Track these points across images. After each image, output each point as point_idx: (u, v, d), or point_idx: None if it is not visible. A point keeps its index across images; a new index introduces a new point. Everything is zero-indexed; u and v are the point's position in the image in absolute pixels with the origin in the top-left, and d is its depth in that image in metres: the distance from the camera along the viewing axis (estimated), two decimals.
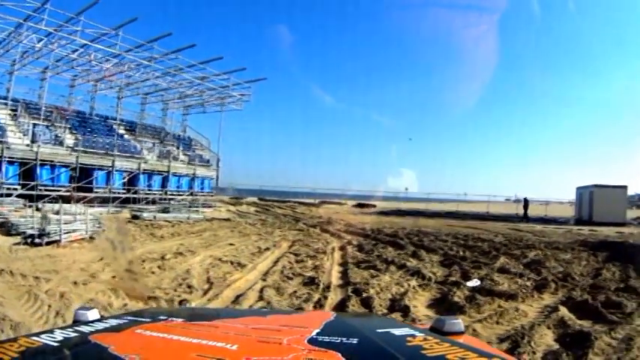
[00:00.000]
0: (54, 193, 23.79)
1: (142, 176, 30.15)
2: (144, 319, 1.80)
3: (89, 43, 26.80)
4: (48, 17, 23.72)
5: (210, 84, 35.92)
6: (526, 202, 36.97)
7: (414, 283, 9.61)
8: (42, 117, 27.58)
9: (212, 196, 37.38)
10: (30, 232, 12.86)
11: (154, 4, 75.38)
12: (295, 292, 8.69)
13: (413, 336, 1.55)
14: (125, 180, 29.03)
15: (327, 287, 9.08)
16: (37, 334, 1.47)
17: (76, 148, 26.91)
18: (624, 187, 34.47)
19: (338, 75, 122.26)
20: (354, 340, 1.46)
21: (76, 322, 1.77)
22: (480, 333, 6.64)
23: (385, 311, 7.55)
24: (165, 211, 24.35)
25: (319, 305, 7.82)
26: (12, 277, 8.59)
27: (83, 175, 26.25)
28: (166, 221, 21.09)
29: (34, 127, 26.68)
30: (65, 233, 13.03)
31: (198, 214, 24.88)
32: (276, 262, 11.74)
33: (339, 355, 1.25)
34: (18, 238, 12.87)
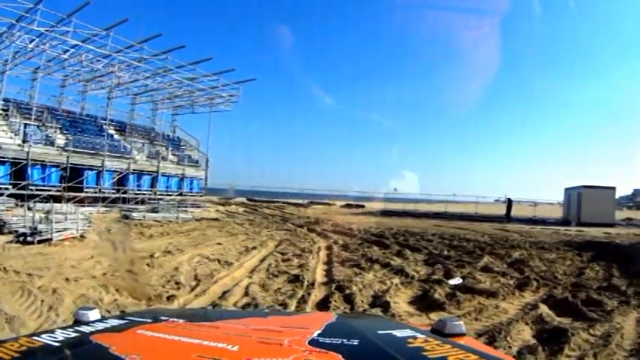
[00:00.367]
0: (45, 193, 23.83)
1: (131, 176, 30.28)
2: (145, 320, 1.80)
3: (80, 44, 26.94)
4: (40, 18, 23.79)
5: (199, 85, 36.08)
6: (509, 203, 37.07)
7: (396, 280, 9.78)
8: (33, 117, 27.59)
9: (201, 196, 37.48)
10: (22, 230, 13.02)
11: (145, 5, 75.51)
12: (280, 288, 8.88)
13: (414, 337, 1.55)
14: (115, 180, 29.13)
15: (312, 284, 9.27)
16: (38, 334, 1.49)
17: (66, 148, 26.93)
18: (612, 188, 34.49)
19: (330, 76, 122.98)
20: (355, 342, 1.46)
21: (77, 322, 1.77)
22: None
23: (367, 307, 7.69)
24: (154, 210, 24.48)
25: (303, 301, 7.98)
26: (5, 274, 8.79)
27: (74, 175, 26.29)
28: (155, 221, 21.21)
29: (25, 127, 26.64)
30: (56, 232, 13.19)
31: (186, 214, 24.98)
32: (262, 261, 11.93)
33: (340, 356, 1.26)
34: (10, 237, 13.00)
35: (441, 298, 8.29)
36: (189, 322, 1.85)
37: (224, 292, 8.39)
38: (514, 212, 37.36)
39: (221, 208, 35.39)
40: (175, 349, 1.38)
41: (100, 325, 1.63)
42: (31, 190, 23.86)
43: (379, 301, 8.00)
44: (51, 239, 12.89)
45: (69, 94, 33.61)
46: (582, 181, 36.80)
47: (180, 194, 34.38)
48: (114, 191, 28.86)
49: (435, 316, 7.32)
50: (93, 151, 28.42)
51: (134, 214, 22.38)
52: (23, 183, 23.61)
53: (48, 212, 14.21)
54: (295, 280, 9.61)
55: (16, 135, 25.75)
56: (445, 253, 14.54)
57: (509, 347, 5.85)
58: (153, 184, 32.39)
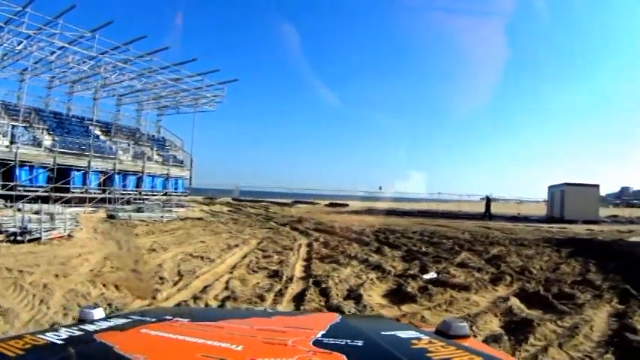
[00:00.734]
0: (33, 194, 23.96)
1: (117, 176, 30.45)
2: (149, 319, 1.81)
3: (67, 45, 27.07)
4: (28, 20, 23.97)
5: (183, 85, 36.23)
6: (488, 201, 37.45)
7: (372, 275, 10.10)
8: (21, 118, 27.61)
9: (185, 196, 37.64)
10: (12, 230, 13.28)
11: (131, 7, 75.52)
12: (259, 283, 9.21)
13: (418, 339, 1.56)
14: (101, 180, 29.34)
15: (290, 279, 9.60)
16: (42, 332, 1.49)
17: (53, 149, 27.05)
18: (596, 186, 35.04)
19: (314, 75, 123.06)
20: (359, 342, 1.45)
21: (81, 320, 1.79)
22: (427, 319, 7.08)
23: (341, 300, 7.95)
24: (139, 210, 24.64)
25: (280, 294, 8.28)
26: None
27: (60, 176, 26.39)
28: (141, 220, 21.46)
29: (13, 128, 26.70)
30: (45, 231, 13.50)
31: (171, 214, 25.18)
32: (243, 258, 12.25)
33: (344, 357, 1.26)
34: (1, 237, 13.23)
35: (414, 291, 8.56)
36: (194, 321, 1.85)
37: (205, 287, 8.70)
38: (498, 210, 37.73)
39: (205, 207, 35.48)
40: (180, 349, 1.38)
41: (104, 324, 1.66)
42: (19, 191, 23.92)
43: (353, 294, 8.29)
44: (40, 238, 13.19)
45: (55, 95, 33.69)
46: (569, 179, 37.43)
47: (165, 194, 34.53)
48: (100, 191, 28.95)
49: (406, 308, 7.74)
50: (79, 152, 28.55)
51: (120, 214, 22.54)
52: (11, 184, 23.69)
53: (37, 212, 14.45)
54: (274, 275, 9.92)
55: (4, 136, 25.84)
56: (424, 249, 14.77)
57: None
58: (138, 184, 32.56)
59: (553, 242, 17.74)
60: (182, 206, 31.45)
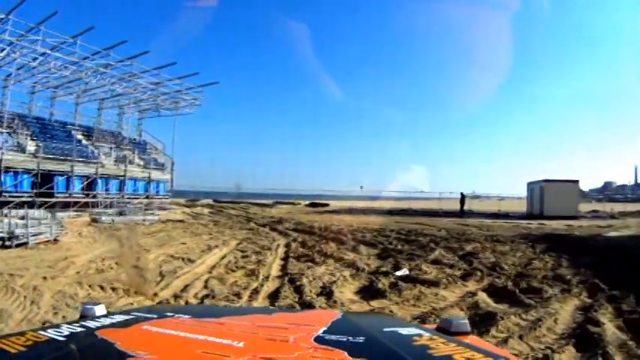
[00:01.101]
0: (17, 199, 23.88)
1: (99, 181, 30.59)
2: (150, 316, 1.80)
3: (49, 52, 27.17)
4: (11, 27, 24.17)
5: (163, 89, 36.36)
6: (462, 198, 37.53)
7: (346, 273, 10.30)
8: (5, 124, 27.49)
9: (167, 198, 37.77)
10: (0, 235, 13.46)
11: (112, 13, 75.33)
12: (236, 281, 9.52)
13: (419, 335, 1.56)
14: (84, 185, 29.42)
15: (266, 277, 9.91)
16: (44, 329, 1.49)
17: (37, 155, 27.08)
18: (576, 182, 34.84)
19: (294, 76, 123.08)
20: (361, 339, 1.46)
21: (83, 317, 1.78)
22: (395, 313, 7.30)
23: (314, 296, 8.19)
24: (122, 214, 24.85)
25: (255, 292, 8.56)
26: None
27: (44, 181, 26.44)
28: (124, 224, 21.59)
29: None
30: (32, 236, 13.81)
31: (153, 216, 25.49)
32: (223, 258, 12.51)
33: (346, 353, 1.26)
34: None
35: (384, 287, 8.81)
36: (195, 318, 1.86)
37: (185, 286, 9.06)
38: (479, 207, 37.67)
39: (187, 209, 35.58)
40: (181, 345, 1.38)
41: (106, 321, 1.66)
42: (5, 197, 23.84)
43: (326, 291, 8.56)
44: (27, 243, 13.50)
45: (38, 101, 33.60)
46: (553, 174, 37.66)
47: (147, 197, 34.63)
48: (83, 196, 29.03)
49: (375, 304, 8.00)
50: (62, 157, 28.61)
51: (103, 218, 22.74)
52: None
53: (22, 218, 14.74)
54: (252, 274, 10.23)
55: None
56: (399, 247, 14.95)
57: (386, 314, 6.34)
58: (120, 188, 32.69)
59: (529, 238, 17.86)
60: (164, 209, 31.70)
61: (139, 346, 1.29)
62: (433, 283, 9.26)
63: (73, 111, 35.28)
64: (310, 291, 8.62)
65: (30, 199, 24.63)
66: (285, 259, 12.66)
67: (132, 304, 7.79)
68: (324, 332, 1.53)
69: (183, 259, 12.26)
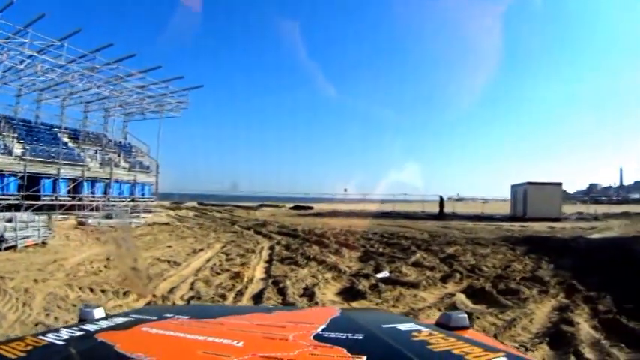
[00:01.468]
0: (4, 202, 23.81)
1: (85, 184, 30.42)
2: (149, 317, 1.79)
3: (36, 54, 27.03)
4: None
5: (149, 92, 36.33)
6: (441, 200, 37.61)
7: (328, 275, 10.54)
8: None
9: (152, 201, 37.66)
10: None
11: (98, 16, 75.11)
12: (221, 283, 9.71)
13: (419, 331, 1.55)
14: (70, 188, 29.27)
15: (250, 280, 10.09)
16: (43, 333, 1.48)
17: (24, 157, 26.94)
18: (559, 184, 35.44)
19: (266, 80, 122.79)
20: (360, 336, 1.46)
21: (82, 320, 1.78)
22: None
23: (297, 297, 8.44)
24: (108, 217, 24.73)
25: (240, 294, 8.79)
26: None
27: (31, 184, 26.28)
28: (110, 227, 21.60)
29: None
30: (21, 239, 13.89)
31: (139, 220, 25.54)
32: (208, 261, 12.71)
33: (345, 350, 1.26)
34: None
35: (365, 288, 9.01)
36: (194, 318, 1.86)
37: (172, 288, 9.26)
38: (463, 210, 37.59)
39: (172, 212, 35.55)
40: (181, 346, 1.39)
41: (105, 323, 1.66)
42: None
43: (308, 292, 8.81)
44: (16, 246, 13.59)
45: (24, 103, 33.34)
46: (539, 177, 37.94)
47: (133, 200, 34.52)
48: (69, 199, 28.89)
49: (355, 304, 8.19)
50: (49, 160, 28.47)
51: (90, 221, 22.73)
52: None
53: (9, 221, 14.76)
54: (236, 276, 10.39)
55: None
56: (381, 250, 15.09)
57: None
58: (106, 191, 32.51)
59: (511, 241, 17.97)
60: (149, 212, 31.68)
61: (138, 348, 1.29)
62: (413, 285, 9.47)
63: (60, 114, 35.07)
64: (293, 292, 8.82)
65: (17, 202, 24.52)
66: (269, 261, 12.79)
67: (121, 305, 7.94)
68: (323, 330, 1.54)
69: (169, 261, 12.43)
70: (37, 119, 33.88)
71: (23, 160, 26.76)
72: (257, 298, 8.59)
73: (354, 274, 10.80)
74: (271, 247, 15.87)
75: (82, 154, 33.26)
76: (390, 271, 10.94)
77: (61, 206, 27.41)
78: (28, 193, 25.79)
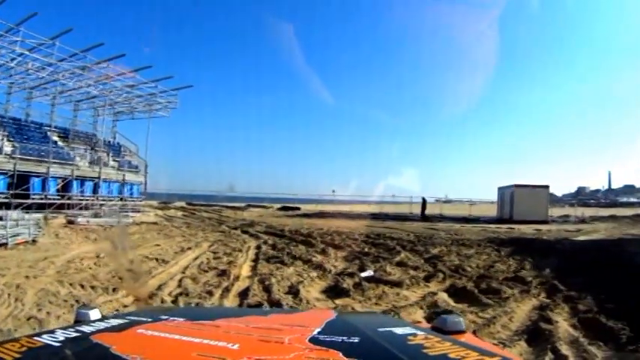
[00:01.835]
0: None
1: (75, 182, 30.33)
2: (145, 319, 1.79)
3: (27, 52, 27.10)
4: None
5: (138, 91, 36.41)
6: (424, 202, 37.49)
7: (314, 274, 10.64)
8: None
9: (141, 201, 37.60)
10: None
11: (90, 16, 74.77)
12: (208, 281, 9.81)
13: (414, 335, 1.55)
14: (59, 186, 29.17)
15: (237, 277, 10.16)
16: (39, 334, 1.48)
17: (13, 156, 26.83)
18: (546, 187, 35.16)
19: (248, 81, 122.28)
20: (356, 339, 1.46)
21: (78, 321, 1.78)
22: (358, 309, 7.74)
23: (282, 295, 8.55)
24: (97, 216, 24.85)
25: (226, 290, 8.90)
26: None
27: (20, 182, 26.19)
28: (99, 225, 21.72)
29: None
30: (11, 237, 13.91)
31: (127, 219, 25.55)
32: (195, 259, 12.75)
33: (341, 354, 1.25)
34: None
35: (349, 287, 9.12)
36: (190, 320, 1.85)
37: (160, 285, 9.35)
38: (451, 211, 37.43)
39: (160, 212, 35.35)
40: (176, 348, 1.39)
41: (101, 325, 1.65)
42: None
43: (293, 290, 8.91)
44: (6, 244, 13.61)
45: (14, 101, 33.31)
46: (526, 180, 37.78)
47: (121, 199, 34.44)
48: (59, 197, 28.78)
49: (339, 302, 8.34)
50: (39, 159, 28.38)
51: (79, 219, 22.69)
52: None
53: (0, 219, 14.87)
54: (223, 274, 10.47)
55: None
56: (366, 250, 15.17)
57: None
58: (95, 190, 32.39)
59: (496, 242, 18.02)
60: (137, 211, 31.55)
61: (134, 350, 1.29)
62: (396, 284, 9.61)
63: (49, 112, 35.10)
64: (278, 290, 8.96)
65: (6, 200, 24.41)
66: (256, 260, 12.85)
67: (111, 301, 8.10)
68: (319, 333, 1.54)
69: (157, 259, 12.49)
70: (27, 117, 33.87)
71: (13, 158, 26.65)
72: (243, 295, 8.70)
73: (339, 273, 10.92)
74: (258, 247, 15.86)
75: (71, 152, 33.12)
76: (375, 271, 11.06)
77: (51, 205, 27.26)
78: (17, 191, 25.70)
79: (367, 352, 1.36)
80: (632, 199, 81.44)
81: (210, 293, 8.78)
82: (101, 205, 30.39)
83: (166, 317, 1.88)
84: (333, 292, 9.12)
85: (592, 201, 75.39)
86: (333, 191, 54.43)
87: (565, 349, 5.59)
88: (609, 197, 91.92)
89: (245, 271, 11.35)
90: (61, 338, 1.44)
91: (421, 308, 7.76)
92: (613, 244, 18.13)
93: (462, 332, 1.74)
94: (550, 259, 13.24)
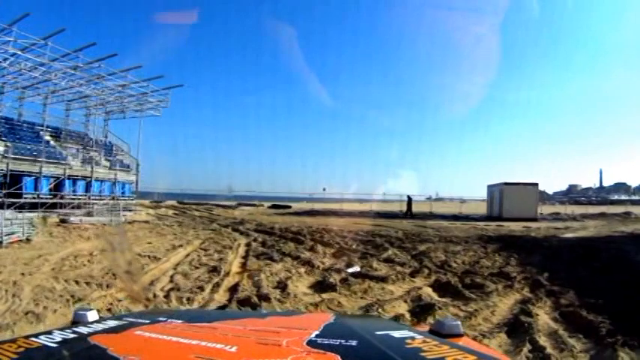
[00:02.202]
0: None
1: (67, 182, 30.22)
2: (143, 321, 1.78)
3: (19, 52, 26.97)
4: None
5: (130, 91, 36.18)
6: (409, 200, 37.29)
7: (302, 270, 10.85)
8: None
9: (132, 200, 37.45)
10: None
11: (83, 16, 74.25)
12: (199, 277, 10.04)
13: (412, 338, 1.54)
14: (52, 186, 29.08)
15: (227, 273, 10.39)
16: (36, 335, 1.47)
17: (6, 155, 26.70)
18: (535, 185, 35.28)
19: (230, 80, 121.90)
20: (353, 342, 1.45)
21: (75, 323, 1.77)
22: (344, 304, 7.90)
23: (271, 289, 8.75)
24: (89, 215, 24.97)
25: (217, 285, 9.13)
26: None
27: (13, 182, 26.10)
28: (91, 224, 21.78)
29: None
30: (5, 236, 14.08)
31: (119, 218, 25.39)
32: (187, 256, 13.00)
33: (338, 357, 1.24)
34: None
35: (335, 282, 9.31)
36: (188, 322, 1.84)
37: (152, 281, 9.69)
38: (441, 209, 37.43)
39: (152, 211, 35.39)
40: (173, 350, 1.37)
41: (99, 326, 1.64)
42: None
43: (281, 285, 9.16)
44: (1, 242, 13.78)
45: (6, 101, 32.79)
46: (517, 178, 37.70)
47: (113, 198, 34.07)
48: (51, 196, 28.65)
49: (325, 296, 8.48)
50: (31, 158, 28.29)
51: (72, 218, 22.71)
52: None
53: None
54: (213, 270, 10.71)
55: None
56: (354, 247, 15.35)
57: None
58: (87, 189, 32.34)
59: (484, 239, 18.15)
60: (129, 210, 31.45)
61: (131, 351, 1.29)
62: (382, 279, 9.80)
63: (42, 112, 34.83)
64: (267, 285, 9.17)
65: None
66: (246, 257, 13.03)
67: (105, 296, 8.32)
68: (317, 336, 1.52)
69: (149, 257, 12.71)
70: (20, 117, 33.61)
71: (5, 157, 26.54)
72: (233, 290, 8.89)
73: (327, 268, 11.13)
74: (248, 244, 16.03)
75: (63, 152, 33.01)
76: (361, 267, 11.26)
77: (43, 204, 27.13)
78: (9, 191, 25.60)
79: (365, 356, 1.38)
80: (623, 197, 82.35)
81: (201, 288, 8.98)
82: (93, 204, 30.43)
83: (164, 319, 1.89)
84: (321, 286, 9.31)
85: (583, 199, 75.95)
86: (324, 189, 53.66)
87: (543, 341, 5.77)
88: (600, 195, 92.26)
89: (235, 267, 11.55)
90: (59, 339, 1.44)
91: (405, 302, 7.92)
92: (599, 242, 18.32)
93: (459, 336, 1.75)
94: (536, 255, 13.51)
